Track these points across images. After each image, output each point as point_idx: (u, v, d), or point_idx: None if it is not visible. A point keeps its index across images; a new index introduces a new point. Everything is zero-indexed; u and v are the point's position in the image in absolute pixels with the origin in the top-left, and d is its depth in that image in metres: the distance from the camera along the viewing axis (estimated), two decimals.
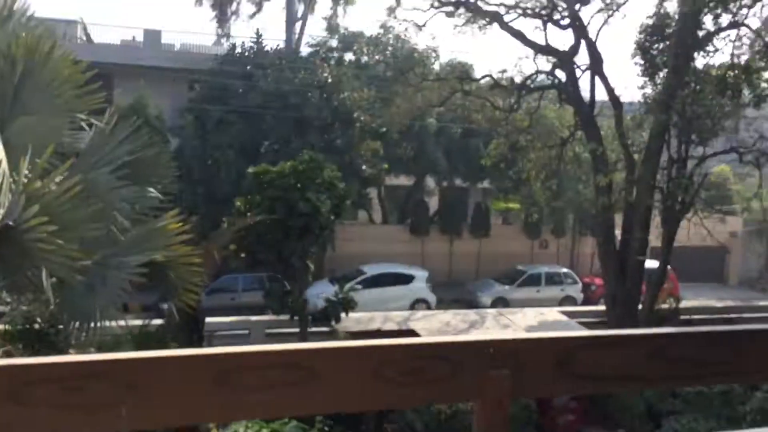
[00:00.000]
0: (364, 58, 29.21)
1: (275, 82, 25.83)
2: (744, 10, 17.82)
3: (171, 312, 12.37)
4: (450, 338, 1.60)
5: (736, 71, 17.95)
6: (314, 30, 42.20)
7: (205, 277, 9.86)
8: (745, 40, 18.18)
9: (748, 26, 17.56)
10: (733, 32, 17.77)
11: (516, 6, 17.72)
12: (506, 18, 17.80)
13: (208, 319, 14.14)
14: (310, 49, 30.73)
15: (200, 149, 25.24)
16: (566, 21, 17.69)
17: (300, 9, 35.21)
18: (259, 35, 28.33)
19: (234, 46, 28.81)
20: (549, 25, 17.81)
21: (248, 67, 26.94)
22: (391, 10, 21.25)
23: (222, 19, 35.89)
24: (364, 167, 25.44)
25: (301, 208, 13.55)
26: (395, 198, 35.33)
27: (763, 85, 18.47)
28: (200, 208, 23.42)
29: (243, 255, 14.17)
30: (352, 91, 25.42)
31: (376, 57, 28.70)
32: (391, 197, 34.66)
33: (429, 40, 24.61)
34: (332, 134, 25.45)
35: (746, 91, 18.48)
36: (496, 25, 17.85)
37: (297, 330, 15.00)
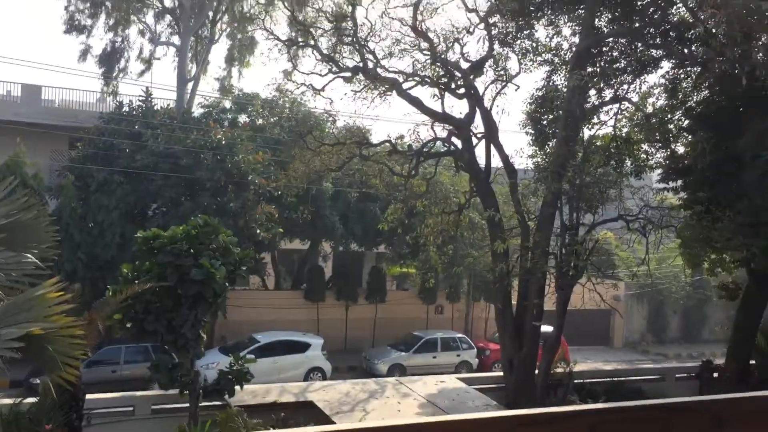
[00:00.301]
0: (260, 121, 28.86)
1: (165, 142, 24.92)
2: (625, 86, 19.00)
3: (47, 389, 11.13)
4: (383, 423, 1.52)
5: (619, 142, 18.97)
6: (207, 90, 41.58)
7: (87, 350, 8.92)
8: (627, 113, 19.35)
9: (628, 100, 18.66)
10: (615, 106, 18.86)
11: (414, 74, 18.00)
12: (404, 85, 18.02)
13: (88, 396, 12.87)
14: (202, 110, 30.06)
15: (82, 211, 23.75)
16: (462, 90, 18.12)
17: (192, 69, 34.61)
18: (148, 94, 27.43)
19: (121, 104, 27.73)
20: (446, 93, 18.17)
21: (136, 126, 25.92)
22: (288, 74, 21.15)
23: (108, 76, 34.64)
24: (258, 231, 24.74)
25: (194, 275, 12.75)
26: (289, 263, 34.64)
27: (642, 156, 19.61)
28: (82, 275, 21.88)
29: (129, 325, 13.10)
30: (246, 153, 24.88)
31: (272, 120, 28.41)
32: (285, 262, 33.95)
33: (327, 104, 24.76)
34: (225, 197, 24.68)
35: (628, 161, 19.55)
36: (394, 91, 18.01)
37: (187, 405, 13.91)
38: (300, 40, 20.19)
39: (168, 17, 35.30)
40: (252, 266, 16.64)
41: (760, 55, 14.11)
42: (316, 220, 26.51)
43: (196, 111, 30.30)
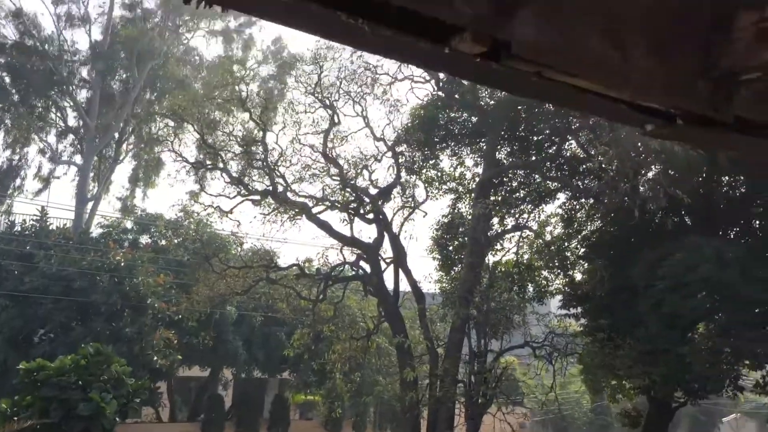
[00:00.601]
0: (163, 242, 28.03)
1: (59, 263, 23.65)
2: (525, 215, 19.78)
3: None
4: None
5: (521, 268, 19.51)
6: (108, 210, 40.37)
7: None
8: (528, 241, 20.06)
9: (529, 228, 19.39)
10: (517, 233, 19.54)
11: (324, 199, 18.12)
12: (315, 209, 18.07)
13: None
14: (101, 230, 28.97)
15: None
16: (371, 215, 18.34)
17: (94, 188, 33.68)
18: (43, 213, 26.30)
19: (13, 223, 26.38)
20: (355, 218, 18.33)
21: (28, 247, 24.58)
22: (194, 195, 20.89)
23: (2, 194, 33.14)
24: (155, 358, 23.37)
25: (81, 410, 11.71)
26: (187, 391, 32.71)
27: (543, 282, 20.18)
28: None
29: None
30: (146, 275, 23.90)
31: (176, 241, 27.66)
32: (182, 390, 32.02)
33: (235, 226, 24.22)
34: (121, 322, 23.37)
35: (530, 287, 20.04)
36: (304, 215, 18.02)
37: None
38: (209, 162, 20.13)
39: (71, 136, 34.65)
40: (146, 397, 15.50)
41: (647, 188, 15.10)
42: (218, 345, 25.41)
43: (95, 231, 29.17)
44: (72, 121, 34.42)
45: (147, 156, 35.15)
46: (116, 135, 34.35)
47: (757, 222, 17.98)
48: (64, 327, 23.05)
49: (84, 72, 35.01)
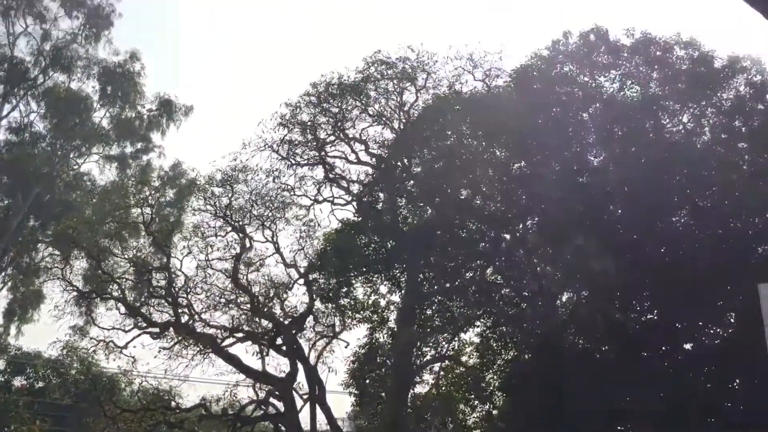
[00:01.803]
0: (40, 384, 24.98)
1: None
2: (444, 344, 18.99)
3: None
4: None
5: (441, 401, 18.50)
6: None
7: None
8: (446, 371, 19.23)
9: (448, 358, 18.63)
10: (437, 365, 18.70)
11: (234, 329, 16.64)
12: (225, 341, 16.53)
13: None
14: None
15: None
16: (285, 347, 16.99)
17: None
18: None
19: None
20: (269, 350, 16.90)
21: None
22: (81, 329, 18.90)
23: None
24: None
25: None
26: None
27: (460, 415, 19.16)
28: None
29: None
30: (20, 422, 20.94)
31: (55, 382, 24.72)
32: None
33: (129, 363, 21.51)
34: None
35: (449, 422, 18.97)
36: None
37: None
38: (95, 294, 18.29)
39: None
40: None
41: (581, 313, 14.75)
42: None
43: None
44: None
45: (25, 289, 32.08)
46: None
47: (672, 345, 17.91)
48: None
49: None
